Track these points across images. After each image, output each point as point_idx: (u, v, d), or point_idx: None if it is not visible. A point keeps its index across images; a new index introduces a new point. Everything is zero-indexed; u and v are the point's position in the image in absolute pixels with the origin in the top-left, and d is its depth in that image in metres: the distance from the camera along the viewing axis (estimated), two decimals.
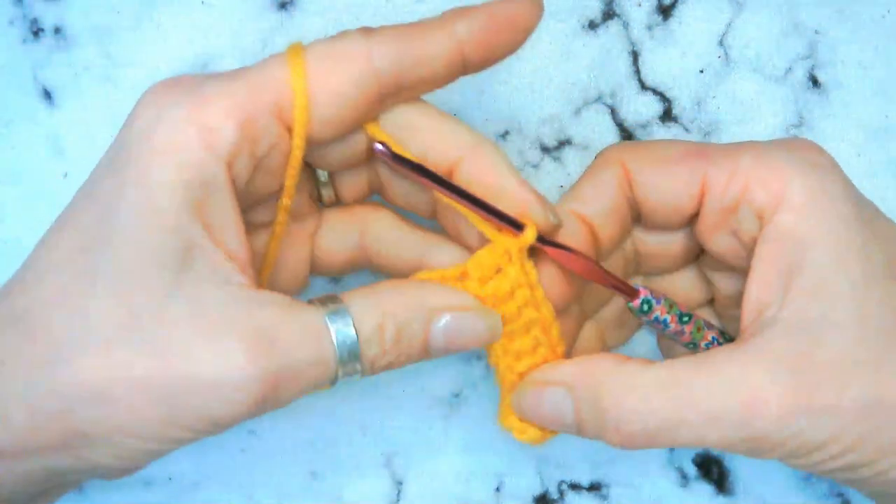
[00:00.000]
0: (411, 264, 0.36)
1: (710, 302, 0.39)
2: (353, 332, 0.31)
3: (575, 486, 0.43)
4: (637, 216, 0.36)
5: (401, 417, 0.43)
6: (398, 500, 0.43)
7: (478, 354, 0.42)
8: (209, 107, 0.30)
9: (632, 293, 0.34)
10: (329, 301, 0.32)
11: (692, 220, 0.35)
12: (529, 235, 0.33)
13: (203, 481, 0.43)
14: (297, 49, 0.31)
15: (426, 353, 0.33)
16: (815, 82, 0.41)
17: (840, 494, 0.42)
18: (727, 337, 0.37)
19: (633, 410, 0.31)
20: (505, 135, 0.41)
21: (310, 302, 0.32)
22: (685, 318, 0.35)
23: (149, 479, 0.43)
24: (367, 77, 0.31)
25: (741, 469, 0.42)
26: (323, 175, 0.36)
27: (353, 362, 0.31)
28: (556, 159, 0.41)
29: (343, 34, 0.32)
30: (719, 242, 0.34)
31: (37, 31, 0.41)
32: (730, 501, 0.43)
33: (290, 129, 0.31)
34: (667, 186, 0.34)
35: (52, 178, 0.42)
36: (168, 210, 0.29)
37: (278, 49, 0.41)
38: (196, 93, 0.30)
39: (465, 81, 0.41)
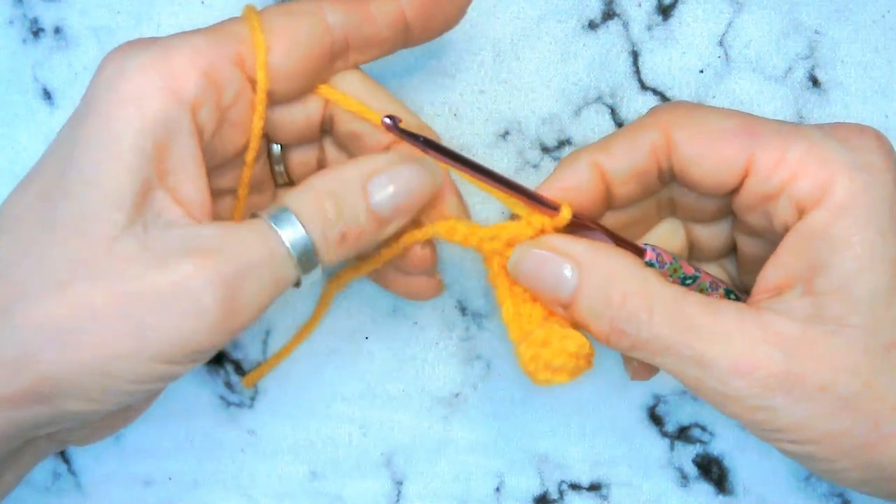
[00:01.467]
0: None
1: (734, 251, 0.38)
2: (296, 220, 0.31)
3: (575, 486, 0.43)
4: (669, 178, 0.35)
5: (401, 417, 0.43)
6: (398, 500, 0.43)
7: (478, 354, 0.42)
8: (173, 56, 0.31)
9: (639, 253, 0.34)
10: (269, 207, 0.32)
11: (731, 191, 0.34)
12: (565, 215, 0.33)
13: (203, 481, 0.43)
14: (252, 8, 0.33)
15: (376, 220, 0.33)
16: (815, 82, 0.41)
17: (840, 494, 0.42)
18: (735, 296, 0.37)
19: (635, 314, 0.32)
20: (505, 135, 0.41)
21: (252, 215, 0.32)
22: (688, 281, 0.35)
23: (149, 478, 0.43)
24: (320, 31, 0.33)
25: (741, 469, 0.43)
26: (276, 149, 0.37)
27: (307, 253, 0.32)
28: (556, 159, 0.41)
29: (299, 4, 0.34)
30: (753, 218, 0.34)
31: (37, 31, 0.41)
32: (730, 501, 0.43)
33: (252, 81, 0.33)
34: (710, 164, 0.33)
35: None
36: (126, 152, 0.30)
37: None
38: (159, 44, 0.31)
39: (465, 81, 0.41)
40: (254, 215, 0.32)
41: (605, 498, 0.43)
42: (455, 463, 0.43)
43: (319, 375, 0.42)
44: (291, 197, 0.32)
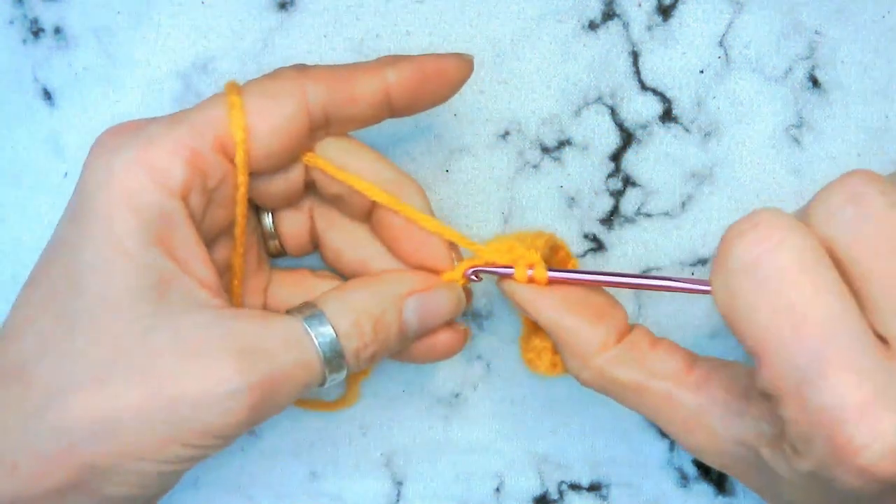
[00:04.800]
0: None
1: None
2: (332, 330, 0.33)
3: (575, 486, 0.43)
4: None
5: (401, 417, 0.43)
6: (398, 500, 0.43)
7: (478, 354, 0.42)
8: (156, 148, 0.32)
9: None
10: (304, 308, 0.33)
11: None
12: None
13: (202, 481, 0.43)
14: (233, 87, 0.34)
15: (404, 337, 0.35)
16: (815, 82, 0.41)
17: None
18: None
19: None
20: (505, 135, 0.41)
21: (286, 312, 0.33)
22: None
23: None
24: (300, 111, 0.33)
25: None
26: (268, 223, 0.38)
27: (337, 359, 0.33)
28: (556, 159, 0.41)
29: (279, 71, 0.35)
30: None
31: (37, 31, 0.41)
32: (730, 502, 0.43)
33: (234, 163, 0.33)
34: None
35: (52, 178, 0.42)
36: (134, 250, 0.31)
37: (278, 49, 0.41)
38: (141, 137, 0.32)
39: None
40: (288, 312, 0.33)
41: (604, 498, 0.43)
42: (455, 463, 0.43)
43: None
44: (328, 304, 0.33)
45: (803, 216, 0.29)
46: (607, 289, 0.37)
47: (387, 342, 0.34)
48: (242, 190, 0.34)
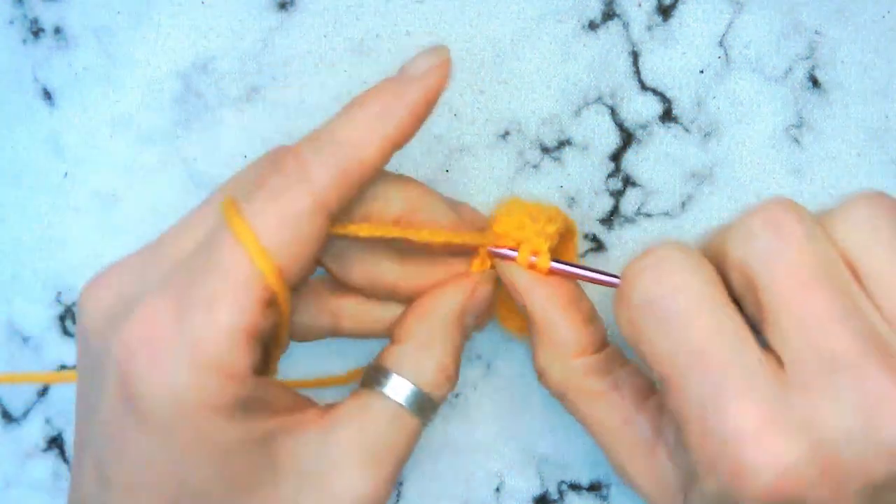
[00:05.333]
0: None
1: None
2: (424, 392, 0.33)
3: (575, 486, 0.43)
4: None
5: None
6: (398, 500, 0.43)
7: (478, 354, 0.42)
8: (209, 347, 0.29)
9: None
10: (381, 375, 0.33)
11: None
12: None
13: None
14: (243, 226, 0.29)
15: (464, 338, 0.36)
16: (815, 83, 0.41)
17: None
18: None
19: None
20: (505, 135, 0.41)
21: (364, 383, 0.34)
22: None
23: None
24: (322, 222, 0.31)
25: None
26: None
27: (433, 407, 0.34)
28: (556, 159, 0.41)
29: (279, 180, 0.30)
30: None
31: (37, 31, 0.41)
32: None
33: (273, 303, 0.30)
34: None
35: (52, 178, 0.42)
36: (235, 441, 0.30)
37: (278, 49, 0.41)
38: (185, 336, 0.29)
39: (464, 82, 0.41)
40: (365, 383, 0.34)
41: (604, 498, 0.43)
42: (455, 463, 0.43)
43: (320, 375, 0.42)
44: (405, 364, 0.34)
45: (720, 236, 0.30)
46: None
47: (461, 353, 0.35)
48: (287, 319, 0.32)
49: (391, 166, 0.41)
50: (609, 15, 0.41)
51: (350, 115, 0.31)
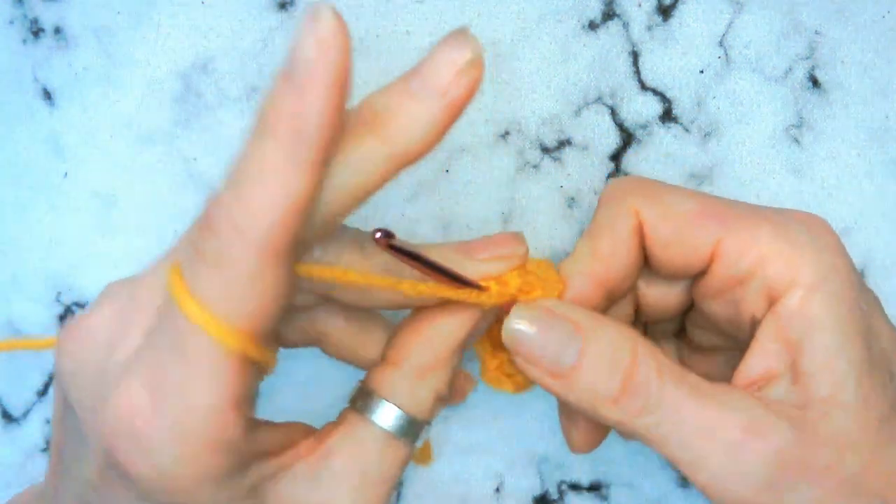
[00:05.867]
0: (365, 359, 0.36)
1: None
2: (415, 419, 0.32)
3: (575, 486, 0.43)
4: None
5: None
6: (398, 500, 0.43)
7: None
8: (194, 436, 0.27)
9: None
10: (372, 403, 0.32)
11: (695, 278, 0.34)
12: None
13: None
14: (190, 302, 0.27)
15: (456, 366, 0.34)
16: (815, 82, 0.41)
17: None
18: None
19: (646, 376, 0.30)
20: (505, 135, 0.41)
21: (353, 408, 0.32)
22: None
23: None
24: (267, 265, 0.27)
25: None
26: None
27: (423, 429, 0.33)
28: (556, 159, 0.41)
29: (211, 239, 0.26)
30: (716, 307, 0.34)
31: (37, 31, 0.41)
32: None
33: (247, 361, 0.28)
34: (679, 248, 0.33)
35: (52, 178, 0.42)
36: (232, 498, 0.29)
37: (278, 49, 0.41)
38: (165, 417, 0.27)
39: None
40: (353, 407, 0.32)
41: (605, 498, 0.43)
42: (455, 463, 0.43)
43: (320, 375, 0.42)
44: (395, 393, 0.32)
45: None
46: None
47: (448, 382, 0.33)
48: (269, 370, 0.30)
49: None
50: (609, 15, 0.41)
51: (259, 146, 0.26)
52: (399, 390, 0.32)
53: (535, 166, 0.41)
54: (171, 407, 0.27)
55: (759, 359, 0.31)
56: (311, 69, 0.25)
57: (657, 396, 0.30)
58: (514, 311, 0.32)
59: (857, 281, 0.32)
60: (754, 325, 0.32)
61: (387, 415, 0.31)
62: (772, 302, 0.31)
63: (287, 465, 0.31)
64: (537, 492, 0.43)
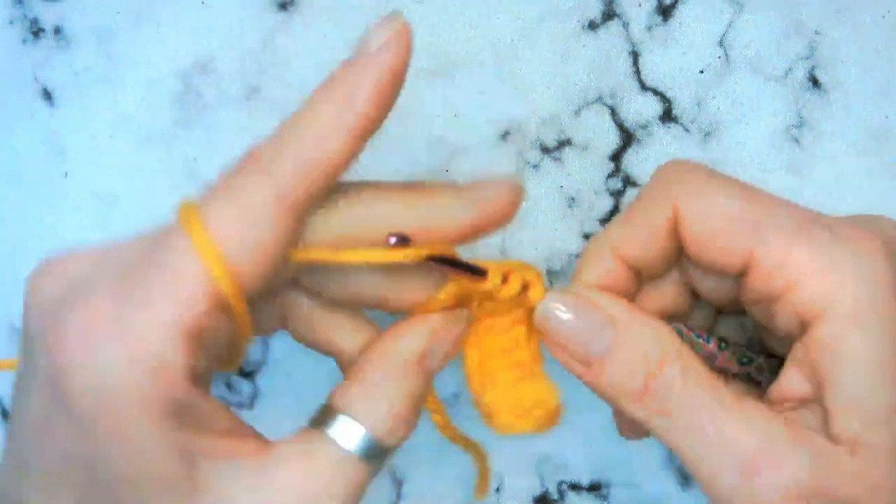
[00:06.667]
0: (331, 347, 0.35)
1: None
2: (374, 438, 0.31)
3: (575, 486, 0.43)
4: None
5: None
6: (398, 500, 0.43)
7: None
8: (146, 344, 0.27)
9: None
10: (330, 419, 0.31)
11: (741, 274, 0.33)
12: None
13: None
14: (197, 223, 0.28)
15: (426, 379, 0.33)
16: (815, 82, 0.41)
17: None
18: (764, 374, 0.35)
19: (670, 378, 0.30)
20: (505, 135, 0.41)
21: (313, 423, 0.31)
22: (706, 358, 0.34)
23: None
24: (283, 218, 0.28)
25: None
26: None
27: (386, 455, 0.31)
28: (556, 159, 0.41)
29: (237, 178, 0.29)
30: (756, 312, 0.33)
31: (37, 31, 0.41)
32: None
33: (224, 307, 0.29)
34: (713, 250, 0.31)
35: (52, 178, 0.42)
36: (158, 454, 0.28)
37: (278, 49, 0.41)
38: (122, 328, 0.27)
39: (465, 81, 0.41)
40: (314, 424, 0.31)
41: (605, 498, 0.43)
42: (455, 463, 0.43)
43: (320, 375, 0.42)
44: (358, 408, 0.31)
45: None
46: None
47: (421, 400, 0.33)
48: (246, 331, 0.30)
49: (392, 165, 0.41)
50: (609, 15, 0.41)
51: (311, 107, 0.29)
52: (356, 406, 0.31)
53: (535, 166, 0.41)
54: (132, 315, 0.27)
55: (792, 380, 0.31)
56: (376, 49, 0.29)
57: (678, 400, 0.30)
58: (550, 294, 0.33)
59: None
60: (790, 341, 0.31)
61: (343, 430, 0.30)
62: (805, 326, 0.30)
63: (225, 455, 0.29)
64: (537, 492, 0.43)
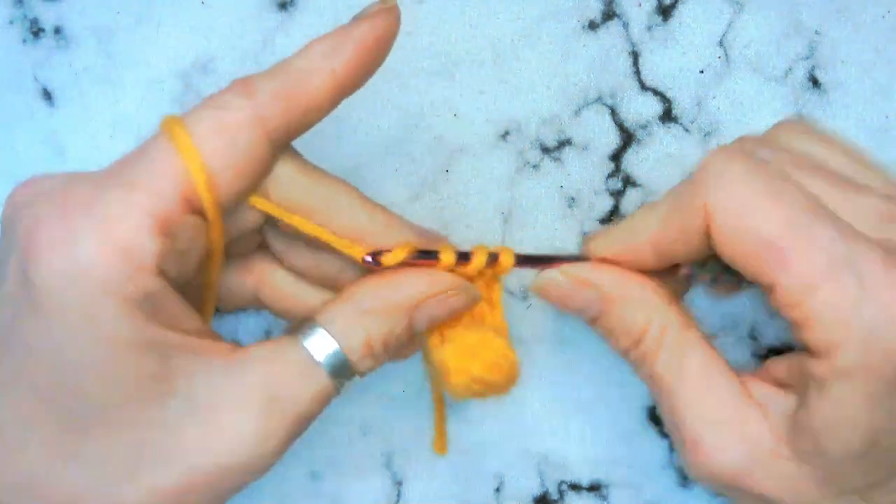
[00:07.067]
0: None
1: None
2: (342, 352, 0.32)
3: (575, 487, 0.43)
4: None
5: (401, 417, 0.42)
6: (398, 500, 0.43)
7: None
8: (121, 226, 0.28)
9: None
10: (307, 327, 0.32)
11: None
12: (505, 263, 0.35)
13: None
14: (177, 125, 0.30)
15: (412, 339, 0.34)
16: (815, 82, 0.41)
17: None
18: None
19: (646, 349, 0.34)
20: (505, 135, 0.41)
21: (289, 331, 0.32)
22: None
23: None
24: (260, 140, 0.31)
25: None
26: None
27: (348, 375, 0.32)
28: (556, 159, 0.41)
29: (222, 96, 0.31)
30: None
31: (37, 31, 0.41)
32: (729, 502, 0.43)
33: (200, 212, 0.30)
34: (740, 265, 0.32)
35: None
36: (127, 340, 0.28)
37: (278, 49, 0.41)
38: (98, 214, 0.28)
39: (465, 81, 0.41)
40: (290, 331, 0.33)
41: (604, 498, 0.43)
42: (455, 463, 0.43)
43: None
44: (337, 322, 0.32)
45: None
46: None
47: (396, 352, 0.34)
48: (218, 245, 0.31)
49: (392, 165, 0.41)
50: (609, 15, 0.41)
51: (303, 50, 0.32)
52: (337, 321, 0.32)
53: (535, 166, 0.41)
54: (107, 199, 0.28)
55: (780, 368, 0.33)
56: (368, 14, 0.32)
57: (648, 370, 0.34)
58: (539, 275, 0.35)
59: None
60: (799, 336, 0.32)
61: (317, 342, 0.32)
62: (814, 361, 0.31)
63: (195, 352, 0.30)
64: (537, 492, 0.43)
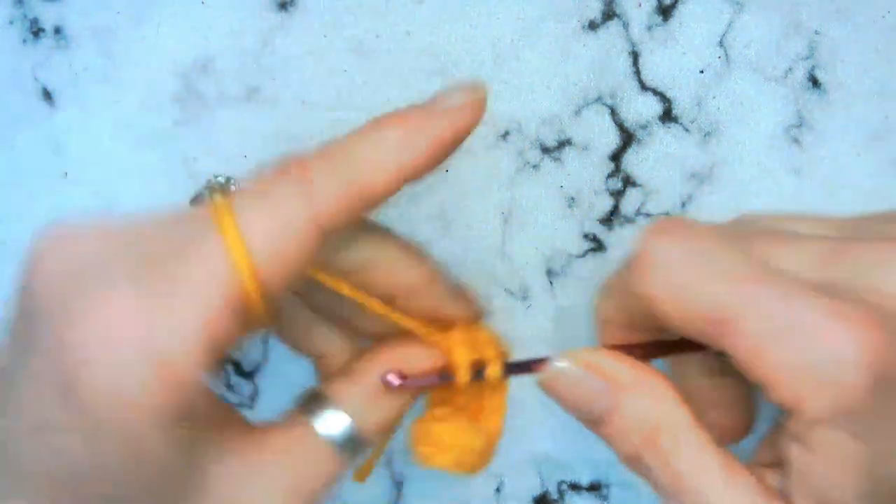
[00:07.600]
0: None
1: None
2: (361, 438, 0.32)
3: (575, 486, 0.43)
4: None
5: None
6: (398, 501, 0.43)
7: None
8: (169, 347, 0.26)
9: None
10: (320, 408, 0.32)
11: None
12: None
13: None
14: (231, 226, 0.27)
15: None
16: (815, 82, 0.41)
17: None
18: None
19: (663, 454, 0.31)
20: (505, 135, 0.41)
21: (303, 409, 0.32)
22: None
23: None
24: (313, 234, 0.28)
25: None
26: None
27: (362, 454, 0.33)
28: (556, 159, 0.41)
29: (276, 183, 0.28)
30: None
31: (37, 32, 0.41)
32: None
33: (243, 312, 0.28)
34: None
35: (52, 178, 0.42)
36: (166, 451, 0.27)
37: (278, 49, 0.41)
38: (143, 332, 0.26)
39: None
40: (301, 409, 0.33)
41: (605, 498, 0.43)
42: None
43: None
44: (352, 406, 0.32)
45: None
46: None
47: (404, 412, 0.34)
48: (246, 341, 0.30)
49: None
50: (609, 15, 0.41)
51: (368, 135, 0.29)
52: (353, 403, 0.32)
53: (535, 166, 0.41)
54: (157, 322, 0.26)
55: (763, 450, 0.32)
56: (453, 107, 0.30)
57: (665, 476, 0.30)
58: (549, 362, 0.33)
59: (875, 413, 0.28)
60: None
61: (334, 424, 0.32)
62: (791, 423, 0.30)
63: (224, 446, 0.30)
64: (537, 492, 0.43)
